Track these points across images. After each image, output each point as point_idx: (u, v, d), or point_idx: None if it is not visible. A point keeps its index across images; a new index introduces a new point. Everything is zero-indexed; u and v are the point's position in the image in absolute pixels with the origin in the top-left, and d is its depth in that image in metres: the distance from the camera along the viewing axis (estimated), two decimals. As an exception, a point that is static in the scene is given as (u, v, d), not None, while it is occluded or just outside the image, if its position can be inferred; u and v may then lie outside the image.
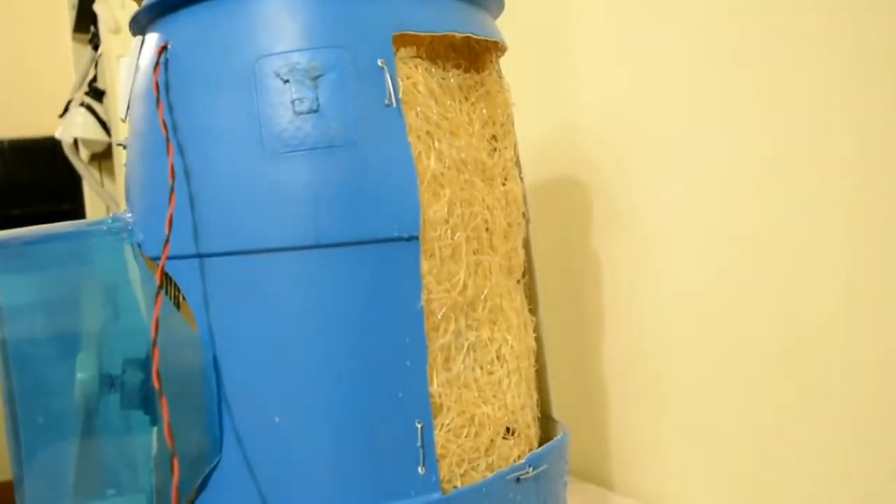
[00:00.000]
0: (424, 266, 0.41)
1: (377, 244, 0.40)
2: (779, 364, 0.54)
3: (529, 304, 0.52)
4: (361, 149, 0.40)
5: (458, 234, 0.44)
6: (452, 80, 0.47)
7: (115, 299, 0.46)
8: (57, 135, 1.56)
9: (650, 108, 0.63)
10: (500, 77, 0.51)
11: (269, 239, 0.40)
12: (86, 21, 1.58)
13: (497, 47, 0.50)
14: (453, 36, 0.45)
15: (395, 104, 0.41)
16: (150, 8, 0.45)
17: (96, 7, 1.45)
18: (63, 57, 1.83)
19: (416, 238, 0.41)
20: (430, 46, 0.46)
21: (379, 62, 0.41)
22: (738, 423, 0.57)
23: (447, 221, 0.43)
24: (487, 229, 0.47)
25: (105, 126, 1.54)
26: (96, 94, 1.55)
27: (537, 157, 0.73)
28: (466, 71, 0.49)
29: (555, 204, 0.73)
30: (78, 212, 1.90)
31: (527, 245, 0.53)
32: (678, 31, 0.60)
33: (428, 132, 0.43)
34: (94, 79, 1.57)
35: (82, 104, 1.52)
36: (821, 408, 0.52)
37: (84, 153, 1.64)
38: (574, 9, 0.69)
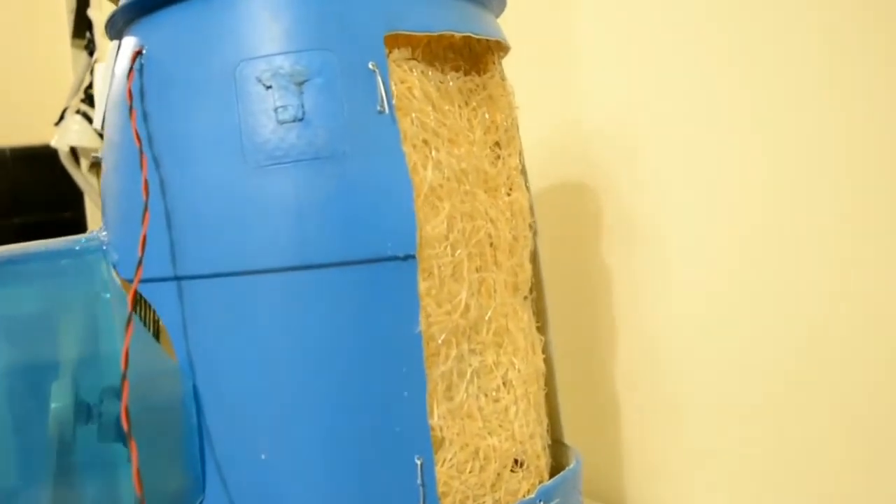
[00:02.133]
0: (422, 287, 0.38)
1: (370, 264, 0.37)
2: (801, 381, 0.50)
3: (537, 322, 0.49)
4: (351, 160, 0.37)
5: (458, 251, 0.40)
6: (451, 84, 0.43)
7: (91, 324, 0.43)
8: (52, 143, 1.53)
9: (663, 109, 0.60)
10: (503, 79, 0.48)
11: (253, 260, 0.37)
12: (82, 27, 1.55)
13: (499, 47, 0.47)
14: (451, 36, 0.42)
15: (387, 110, 0.37)
16: (125, 10, 0.42)
17: (90, 12, 1.42)
18: (65, 63, 1.81)
19: (413, 257, 0.37)
20: (426, 48, 0.42)
21: (370, 65, 0.37)
22: (758, 442, 0.54)
23: (447, 237, 0.39)
24: (491, 244, 0.44)
25: (101, 134, 1.51)
26: (92, 100, 1.52)
27: (544, 164, 0.69)
28: (466, 73, 0.46)
29: (564, 213, 0.69)
30: (79, 221, 1.87)
31: (534, 258, 0.50)
32: (691, 25, 0.56)
33: (425, 140, 0.39)
34: (90, 85, 1.54)
35: (78, 111, 1.49)
36: (844, 425, 0.48)
37: (84, 162, 1.61)
38: (579, 4, 0.66)
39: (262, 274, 0.37)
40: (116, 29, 0.44)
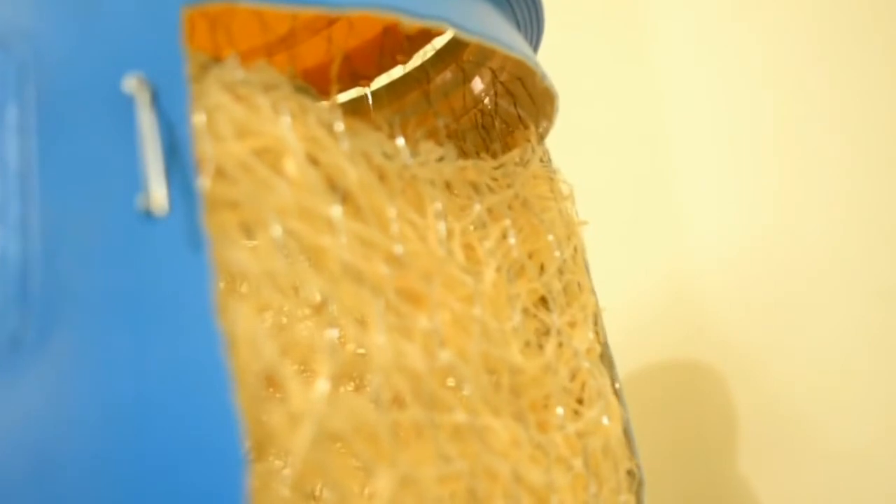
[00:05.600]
0: None
1: None
2: None
3: None
4: (49, 368, 0.11)
5: None
6: (422, 164, 0.18)
7: None
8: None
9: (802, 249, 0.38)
10: (550, 170, 0.23)
11: None
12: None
13: (541, 100, 0.22)
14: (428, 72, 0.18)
15: (167, 209, 0.12)
16: None
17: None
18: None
19: None
20: (357, 63, 0.18)
21: (126, 86, 0.13)
22: None
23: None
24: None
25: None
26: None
27: (639, 335, 0.44)
28: (478, 152, 0.21)
29: (681, 408, 0.43)
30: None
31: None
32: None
33: (274, 300, 0.14)
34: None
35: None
36: None
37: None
38: (678, 112, 0.43)
39: None
40: None
